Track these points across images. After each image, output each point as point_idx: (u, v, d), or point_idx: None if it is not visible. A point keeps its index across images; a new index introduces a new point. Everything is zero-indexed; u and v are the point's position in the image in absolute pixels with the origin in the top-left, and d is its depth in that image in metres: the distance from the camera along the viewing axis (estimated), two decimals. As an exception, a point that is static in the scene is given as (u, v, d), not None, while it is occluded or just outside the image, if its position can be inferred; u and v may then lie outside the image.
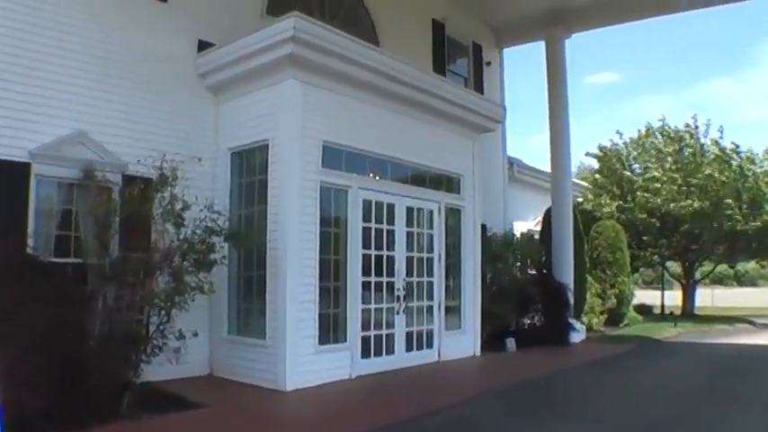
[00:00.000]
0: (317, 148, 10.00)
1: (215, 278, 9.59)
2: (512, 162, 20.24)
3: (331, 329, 10.27)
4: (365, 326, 10.78)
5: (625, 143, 27.95)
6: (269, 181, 9.89)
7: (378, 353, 11.00)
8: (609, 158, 27.38)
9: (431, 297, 12.34)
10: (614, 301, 21.09)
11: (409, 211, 11.86)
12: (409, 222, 11.85)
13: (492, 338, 14.02)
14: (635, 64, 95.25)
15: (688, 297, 28.25)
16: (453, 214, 13.18)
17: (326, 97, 10.24)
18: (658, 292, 31.03)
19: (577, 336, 16.19)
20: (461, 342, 13.03)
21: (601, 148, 27.89)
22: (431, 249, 12.43)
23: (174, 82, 10.51)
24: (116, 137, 9.46)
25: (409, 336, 11.73)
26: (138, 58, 10.03)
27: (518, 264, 16.88)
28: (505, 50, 20.19)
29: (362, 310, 10.71)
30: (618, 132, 28.66)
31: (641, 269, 30.47)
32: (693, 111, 35.36)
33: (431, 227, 12.45)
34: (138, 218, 8.43)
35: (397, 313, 11.47)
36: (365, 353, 10.74)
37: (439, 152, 12.60)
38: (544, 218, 18.47)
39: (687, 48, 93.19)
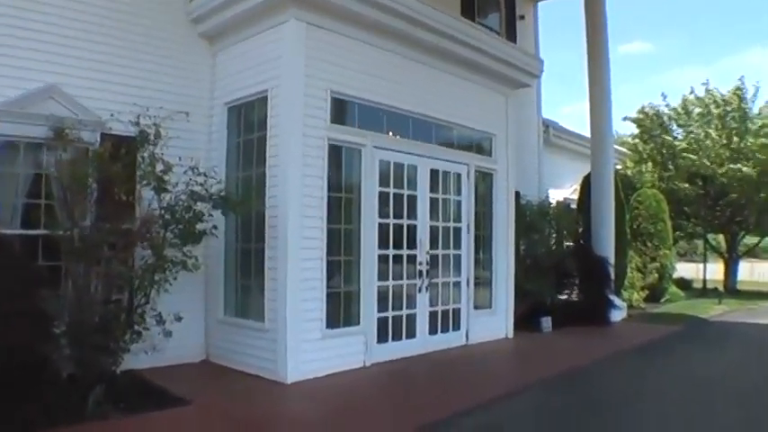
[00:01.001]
0: (323, 100, 8.63)
1: (210, 252, 8.66)
2: (547, 125, 18.82)
3: (342, 311, 8.99)
4: (382, 306, 9.51)
5: (668, 106, 26.24)
6: (268, 138, 8.57)
7: (397, 336, 9.74)
8: (651, 121, 25.79)
9: (458, 272, 11.04)
10: (655, 275, 19.77)
11: (434, 174, 10.51)
12: (433, 187, 10.50)
13: (525, 317, 12.75)
14: (670, 32, 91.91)
15: (730, 272, 26.72)
16: (484, 179, 11.81)
17: (337, 42, 8.86)
18: (693, 265, 29.71)
19: (618, 313, 14.96)
20: (492, 322, 11.75)
21: (641, 111, 26.25)
22: (458, 218, 11.09)
23: (164, 28, 9.20)
24: (94, 91, 8.19)
25: (433, 316, 10.46)
26: (120, 2, 8.72)
27: (554, 235, 15.53)
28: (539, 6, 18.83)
29: (379, 288, 9.43)
30: (662, 95, 27.20)
31: (679, 242, 28.93)
32: (730, 82, 33.66)
33: (458, 193, 11.08)
34: (112, 182, 7.16)
35: (420, 291, 10.19)
36: (382, 337, 9.48)
37: (468, 108, 11.19)
38: (582, 185, 16.93)
39: (724, 14, 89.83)
